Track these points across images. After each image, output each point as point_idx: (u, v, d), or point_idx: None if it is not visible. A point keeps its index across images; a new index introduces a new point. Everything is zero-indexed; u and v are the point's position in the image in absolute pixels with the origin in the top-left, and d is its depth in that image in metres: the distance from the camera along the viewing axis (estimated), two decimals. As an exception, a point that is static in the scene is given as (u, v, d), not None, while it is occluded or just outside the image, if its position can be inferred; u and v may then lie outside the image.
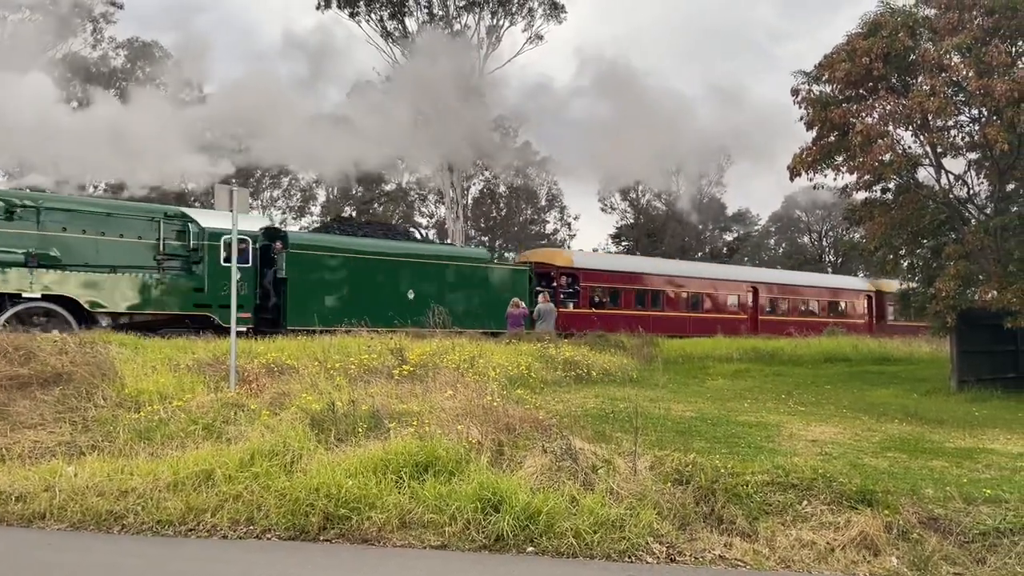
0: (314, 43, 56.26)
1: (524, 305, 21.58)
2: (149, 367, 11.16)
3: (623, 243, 64.80)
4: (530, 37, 45.18)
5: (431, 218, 59.52)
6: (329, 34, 60.11)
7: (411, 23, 44.28)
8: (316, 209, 57.23)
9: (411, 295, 21.96)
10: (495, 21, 44.48)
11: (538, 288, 24.73)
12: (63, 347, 10.89)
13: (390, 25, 43.98)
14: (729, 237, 69.93)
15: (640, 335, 20.64)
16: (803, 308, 35.94)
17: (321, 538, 6.44)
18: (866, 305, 38.61)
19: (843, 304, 37.68)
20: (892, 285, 41.93)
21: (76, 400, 9.40)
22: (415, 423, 8.12)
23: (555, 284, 27.13)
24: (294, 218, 55.96)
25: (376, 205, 57.99)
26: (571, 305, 27.55)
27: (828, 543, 6.22)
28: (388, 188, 58.52)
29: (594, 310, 27.81)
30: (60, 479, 7.15)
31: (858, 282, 41.13)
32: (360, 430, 8.08)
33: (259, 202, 54.37)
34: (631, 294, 29.23)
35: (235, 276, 11.17)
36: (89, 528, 6.68)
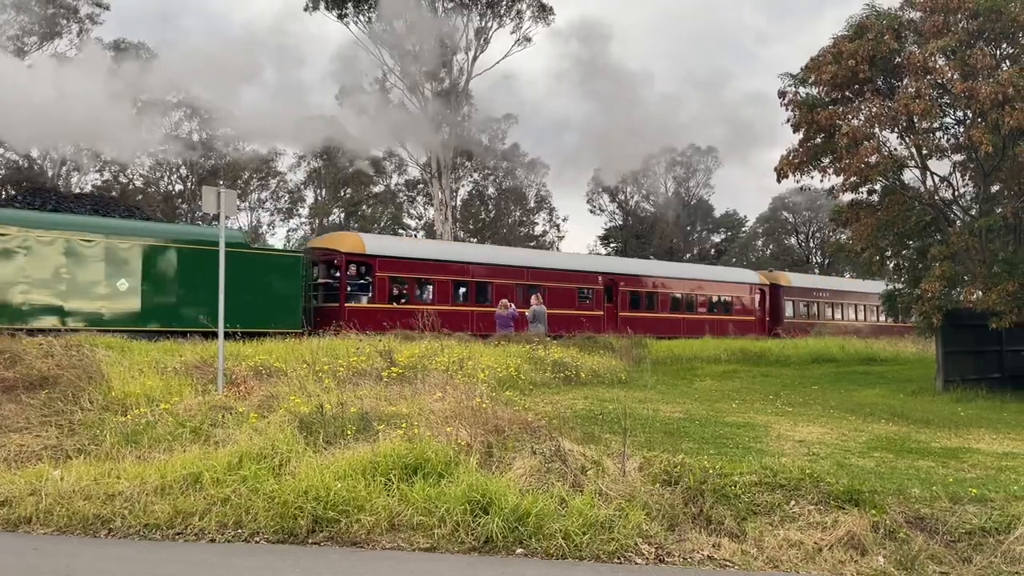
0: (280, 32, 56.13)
1: (513, 307, 21.54)
2: (136, 370, 11.11)
3: (612, 244, 65.00)
4: (518, 39, 45.25)
5: (420, 220, 59.50)
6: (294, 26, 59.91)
7: (399, 25, 44.22)
8: (304, 211, 57.05)
9: (123, 286, 17.97)
10: (483, 23, 44.51)
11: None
12: (49, 350, 10.82)
13: (378, 27, 43.92)
14: (717, 239, 70.23)
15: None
16: (677, 304, 31.63)
17: (310, 541, 6.43)
18: (758, 301, 34.62)
19: (729, 300, 33.56)
20: (789, 278, 37.19)
21: (62, 403, 9.34)
22: (404, 425, 8.11)
23: (338, 274, 23.12)
24: (282, 220, 55.83)
25: (365, 207, 57.84)
26: (363, 299, 23.29)
27: (815, 543, 6.25)
28: (377, 190, 58.43)
29: (394, 305, 23.50)
30: (46, 483, 7.10)
31: (748, 275, 36.56)
32: (349, 432, 8.07)
33: (247, 204, 54.16)
34: (446, 286, 24.88)
35: (222, 281, 11.13)
36: (76, 532, 6.64)
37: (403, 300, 24.05)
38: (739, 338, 25.86)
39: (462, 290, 25.86)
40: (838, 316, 38.11)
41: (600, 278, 29.39)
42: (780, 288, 35.98)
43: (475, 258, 26.84)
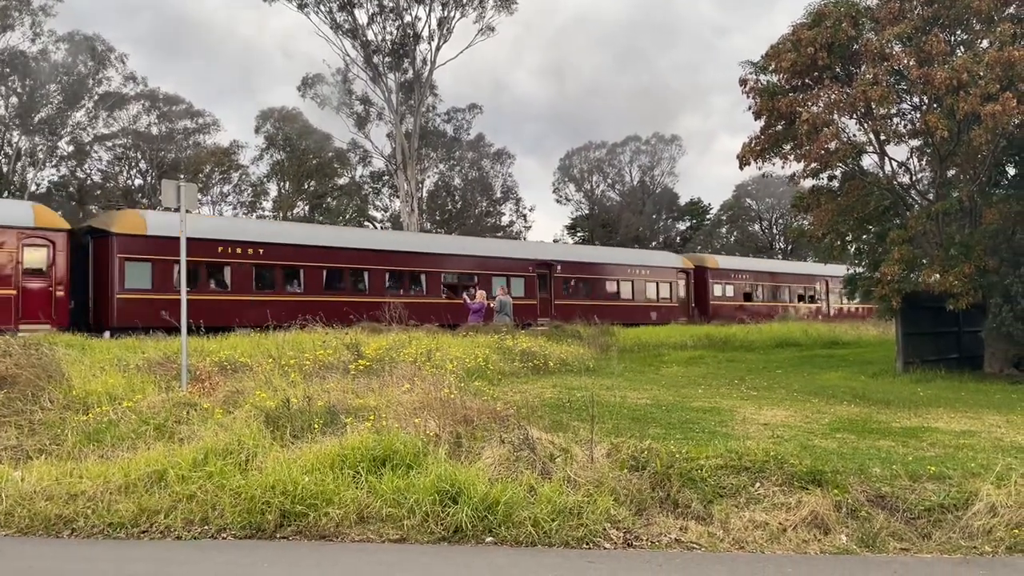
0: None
1: (481, 298, 21.56)
2: (97, 368, 10.92)
3: (579, 234, 65.19)
4: (481, 29, 45.04)
5: (386, 211, 59.14)
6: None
7: (361, 15, 43.83)
8: (268, 204, 56.41)
9: None
10: (446, 13, 44.23)
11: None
12: (7, 349, 10.58)
13: (339, 17, 43.45)
14: (682, 226, 70.74)
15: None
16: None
17: (278, 536, 6.38)
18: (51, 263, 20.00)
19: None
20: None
21: (21, 403, 9.15)
22: (372, 417, 8.08)
23: None
24: (245, 213, 55.12)
25: (329, 199, 57.34)
26: None
27: (780, 523, 6.35)
28: (341, 182, 57.95)
29: None
30: (6, 484, 6.96)
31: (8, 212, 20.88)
32: (316, 426, 8.01)
33: (208, 197, 53.42)
34: None
35: (183, 274, 10.98)
36: (38, 533, 6.52)
37: None
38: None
39: None
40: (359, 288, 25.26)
41: None
42: (127, 240, 20.71)
43: None
